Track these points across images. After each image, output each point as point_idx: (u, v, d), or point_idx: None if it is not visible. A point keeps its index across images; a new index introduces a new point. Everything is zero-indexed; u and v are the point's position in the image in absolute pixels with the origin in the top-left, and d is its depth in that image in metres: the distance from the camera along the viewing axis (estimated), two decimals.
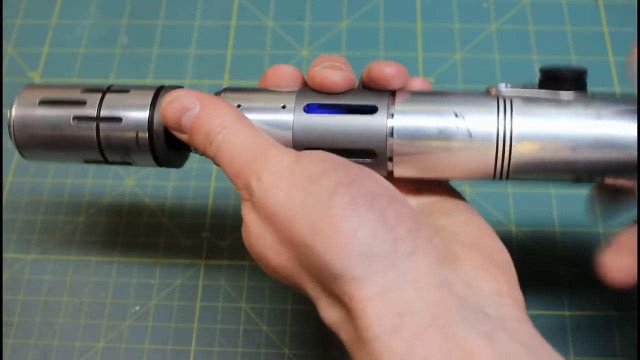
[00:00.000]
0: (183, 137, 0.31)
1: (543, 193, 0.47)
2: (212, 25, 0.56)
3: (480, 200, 0.47)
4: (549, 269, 0.45)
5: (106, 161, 0.34)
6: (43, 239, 0.47)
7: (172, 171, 0.49)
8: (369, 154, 0.30)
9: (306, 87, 0.32)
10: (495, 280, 0.27)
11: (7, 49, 0.55)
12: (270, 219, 0.27)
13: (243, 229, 0.29)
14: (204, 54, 0.55)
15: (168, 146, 0.32)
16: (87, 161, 0.34)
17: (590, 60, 0.53)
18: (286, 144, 0.30)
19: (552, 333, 0.43)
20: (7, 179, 0.50)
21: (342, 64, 0.31)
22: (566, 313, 0.43)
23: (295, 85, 0.32)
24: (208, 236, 0.47)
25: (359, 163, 0.30)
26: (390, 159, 0.30)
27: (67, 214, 0.48)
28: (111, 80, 0.53)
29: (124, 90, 0.33)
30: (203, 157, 0.50)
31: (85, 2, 0.58)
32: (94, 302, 0.45)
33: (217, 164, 0.30)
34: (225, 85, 0.53)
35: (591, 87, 0.52)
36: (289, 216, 0.27)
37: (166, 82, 0.53)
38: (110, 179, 0.49)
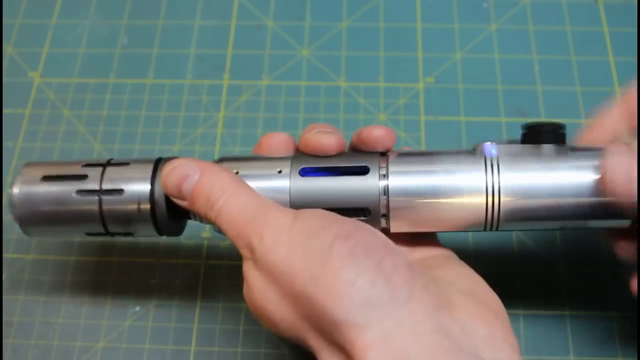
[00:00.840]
0: (184, 203, 0.32)
1: None
2: (212, 25, 0.56)
3: None
4: (549, 269, 0.45)
5: (107, 233, 0.35)
6: (43, 239, 0.47)
7: None
8: (364, 212, 0.32)
9: (300, 153, 0.34)
10: (490, 325, 0.28)
11: (7, 49, 0.55)
12: (272, 274, 0.28)
13: (245, 288, 0.30)
14: (204, 54, 0.55)
15: (169, 215, 0.34)
16: (89, 234, 0.35)
17: (590, 60, 0.53)
18: (284, 207, 0.32)
19: (552, 333, 0.43)
20: (7, 179, 0.50)
21: (333, 130, 0.34)
22: (566, 313, 0.43)
23: (289, 151, 0.34)
24: (208, 236, 0.47)
25: None
26: (384, 216, 0.32)
27: None
28: (111, 80, 0.53)
29: (124, 163, 0.34)
30: (204, 156, 0.50)
31: (85, 2, 0.58)
32: (94, 302, 0.45)
33: (218, 227, 0.31)
34: (225, 84, 0.54)
35: (591, 87, 0.52)
36: (290, 269, 0.28)
37: (167, 82, 0.54)
38: None
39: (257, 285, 0.29)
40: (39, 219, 0.34)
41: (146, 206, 0.33)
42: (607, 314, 0.43)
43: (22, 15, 0.57)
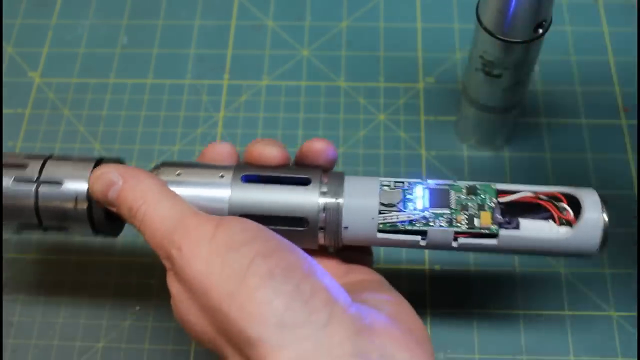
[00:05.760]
0: (113, 209, 0.32)
1: None
2: (212, 25, 0.56)
3: None
4: (549, 269, 0.45)
5: (40, 226, 0.34)
6: (43, 239, 0.47)
7: None
8: (302, 223, 0.32)
9: (244, 163, 0.34)
10: (411, 353, 0.27)
11: (7, 49, 0.55)
12: (190, 287, 0.28)
13: (171, 299, 0.30)
14: (204, 54, 0.55)
15: (105, 215, 0.33)
16: (21, 226, 0.34)
17: (590, 60, 0.53)
18: (222, 212, 0.31)
19: (552, 333, 0.43)
20: None
21: (278, 143, 0.34)
22: (566, 313, 0.43)
23: (233, 162, 0.34)
24: None
25: (292, 231, 0.31)
26: (322, 229, 0.32)
27: None
28: (111, 80, 0.53)
29: (65, 158, 0.34)
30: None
31: (85, 2, 0.58)
32: (94, 302, 0.45)
33: (143, 236, 0.31)
34: (225, 84, 0.54)
35: (591, 87, 0.52)
36: (207, 284, 0.27)
37: (167, 82, 0.54)
38: None
39: (179, 296, 0.29)
40: None
41: (83, 204, 0.33)
42: (607, 314, 0.43)
43: (22, 15, 0.57)
